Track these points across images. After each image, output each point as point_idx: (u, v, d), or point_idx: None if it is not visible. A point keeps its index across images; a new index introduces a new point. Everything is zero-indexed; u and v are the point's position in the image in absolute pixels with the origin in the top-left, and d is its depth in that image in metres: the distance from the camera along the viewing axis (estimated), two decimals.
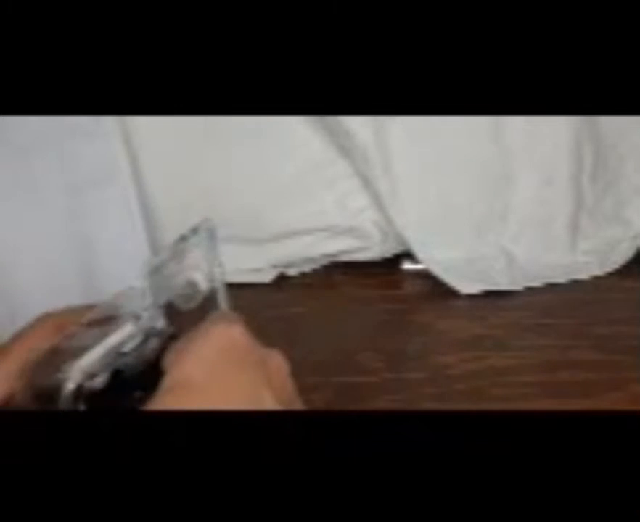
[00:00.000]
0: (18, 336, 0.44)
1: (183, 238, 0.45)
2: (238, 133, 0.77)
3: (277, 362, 0.42)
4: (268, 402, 0.39)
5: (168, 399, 0.38)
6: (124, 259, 0.68)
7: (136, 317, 0.43)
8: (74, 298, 0.66)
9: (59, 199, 0.69)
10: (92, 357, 0.40)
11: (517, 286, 0.78)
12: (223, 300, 0.47)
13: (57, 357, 0.41)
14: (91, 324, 0.44)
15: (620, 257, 0.81)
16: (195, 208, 0.76)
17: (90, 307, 0.45)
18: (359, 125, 0.76)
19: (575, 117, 0.79)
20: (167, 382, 0.38)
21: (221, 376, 0.39)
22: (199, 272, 0.45)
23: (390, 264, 0.82)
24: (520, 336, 0.70)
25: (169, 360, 0.40)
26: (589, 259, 0.81)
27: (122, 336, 0.42)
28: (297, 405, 0.42)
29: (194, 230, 0.46)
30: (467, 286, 0.77)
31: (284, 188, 0.79)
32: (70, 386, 0.39)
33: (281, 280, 0.81)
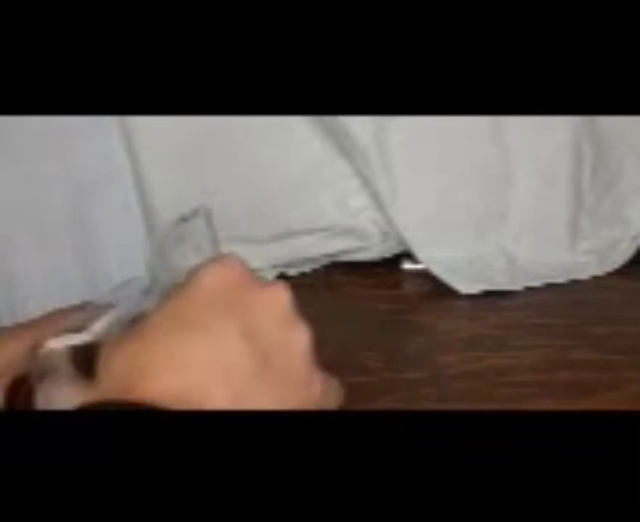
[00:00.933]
0: (32, 321, 0.45)
1: (183, 220, 0.45)
2: (238, 133, 0.77)
3: (266, 298, 0.40)
4: (235, 352, 0.37)
5: (136, 337, 0.38)
6: (124, 259, 0.68)
7: (146, 291, 0.43)
8: (74, 296, 0.66)
9: (59, 198, 0.69)
10: (105, 321, 0.40)
11: (517, 286, 0.78)
12: None
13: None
14: (95, 309, 0.44)
15: (619, 257, 0.81)
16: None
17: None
18: (359, 125, 0.76)
19: (575, 117, 0.79)
20: (145, 321, 0.38)
21: (194, 321, 0.38)
22: (201, 255, 0.45)
23: (390, 264, 0.82)
24: (520, 336, 0.70)
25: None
26: (589, 259, 0.81)
27: (130, 304, 0.42)
28: (287, 347, 0.40)
29: (193, 213, 0.46)
30: (467, 286, 0.77)
31: (284, 188, 0.79)
32: (86, 336, 0.39)
33: (281, 280, 0.81)
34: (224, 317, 0.38)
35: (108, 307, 0.43)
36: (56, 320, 0.44)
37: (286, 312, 0.40)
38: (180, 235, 0.45)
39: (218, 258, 0.41)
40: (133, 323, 0.41)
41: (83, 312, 0.43)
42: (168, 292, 0.41)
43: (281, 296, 0.41)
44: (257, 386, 0.38)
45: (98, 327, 0.40)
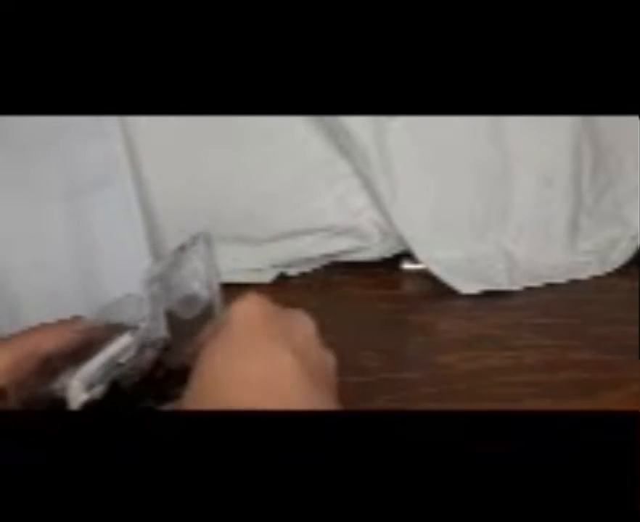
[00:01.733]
0: (15, 335, 0.45)
1: (182, 248, 0.46)
2: (238, 133, 0.77)
3: (300, 324, 0.44)
4: (291, 368, 0.40)
5: (203, 402, 0.39)
6: (124, 260, 0.68)
7: (134, 328, 0.43)
8: (74, 299, 0.67)
9: (59, 199, 0.69)
10: (91, 367, 0.41)
11: (517, 286, 0.78)
12: (219, 308, 0.47)
13: (55, 363, 0.42)
14: (88, 332, 0.44)
15: (619, 257, 0.81)
16: (195, 209, 0.76)
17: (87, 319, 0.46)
18: (359, 125, 0.76)
19: (575, 117, 0.79)
20: (195, 386, 0.40)
21: (242, 359, 0.40)
22: (198, 281, 0.46)
23: (390, 264, 0.82)
24: (520, 336, 0.70)
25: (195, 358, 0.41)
26: (589, 259, 0.81)
27: (120, 346, 0.43)
28: (325, 362, 0.44)
29: (193, 240, 0.46)
30: (467, 286, 0.77)
31: (284, 188, 0.79)
32: (79, 398, 0.39)
33: (281, 280, 0.81)
34: (271, 341, 0.41)
35: (104, 328, 0.44)
36: (42, 333, 0.45)
37: (315, 334, 0.44)
38: (179, 263, 0.45)
39: (243, 298, 0.44)
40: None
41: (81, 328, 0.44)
42: (211, 330, 0.42)
43: (309, 321, 0.45)
44: (309, 397, 0.40)
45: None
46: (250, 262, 0.80)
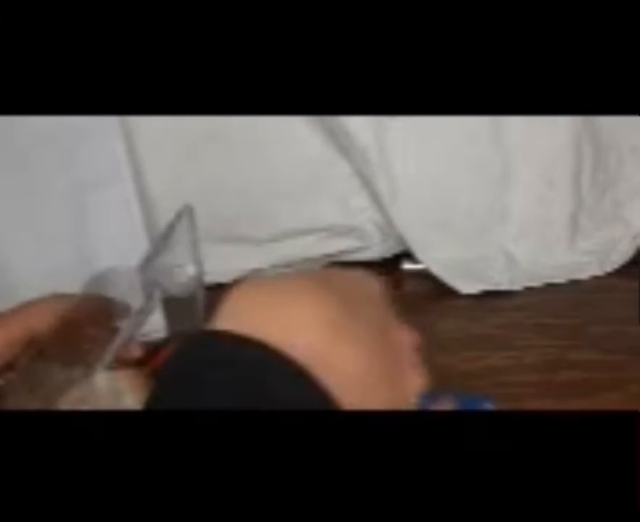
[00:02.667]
0: (19, 308, 0.45)
1: (170, 227, 0.46)
2: (238, 133, 0.77)
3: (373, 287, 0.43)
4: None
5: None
6: (124, 259, 0.68)
7: (143, 309, 0.44)
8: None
9: (59, 199, 0.69)
10: (111, 352, 0.41)
11: (517, 286, 0.78)
12: (202, 283, 0.48)
13: (46, 341, 0.42)
14: (78, 307, 0.44)
15: (619, 257, 0.81)
16: (195, 208, 0.76)
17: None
18: (359, 125, 0.76)
19: (575, 117, 0.79)
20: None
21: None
22: (187, 257, 0.46)
23: (390, 264, 0.82)
24: (520, 336, 0.70)
25: None
26: (589, 259, 0.81)
27: (132, 327, 0.43)
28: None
29: (178, 217, 0.46)
30: (467, 286, 0.77)
31: (284, 188, 0.79)
32: (103, 383, 0.40)
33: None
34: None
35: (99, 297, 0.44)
36: (33, 308, 0.45)
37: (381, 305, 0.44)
38: (170, 242, 0.46)
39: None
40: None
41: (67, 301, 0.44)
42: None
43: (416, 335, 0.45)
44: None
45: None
46: (250, 262, 0.80)
